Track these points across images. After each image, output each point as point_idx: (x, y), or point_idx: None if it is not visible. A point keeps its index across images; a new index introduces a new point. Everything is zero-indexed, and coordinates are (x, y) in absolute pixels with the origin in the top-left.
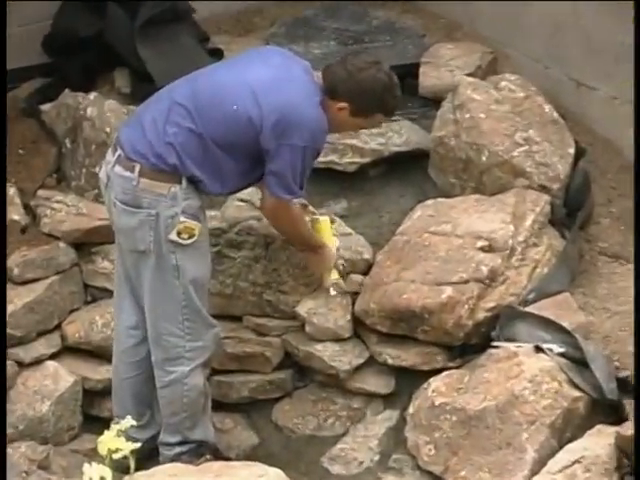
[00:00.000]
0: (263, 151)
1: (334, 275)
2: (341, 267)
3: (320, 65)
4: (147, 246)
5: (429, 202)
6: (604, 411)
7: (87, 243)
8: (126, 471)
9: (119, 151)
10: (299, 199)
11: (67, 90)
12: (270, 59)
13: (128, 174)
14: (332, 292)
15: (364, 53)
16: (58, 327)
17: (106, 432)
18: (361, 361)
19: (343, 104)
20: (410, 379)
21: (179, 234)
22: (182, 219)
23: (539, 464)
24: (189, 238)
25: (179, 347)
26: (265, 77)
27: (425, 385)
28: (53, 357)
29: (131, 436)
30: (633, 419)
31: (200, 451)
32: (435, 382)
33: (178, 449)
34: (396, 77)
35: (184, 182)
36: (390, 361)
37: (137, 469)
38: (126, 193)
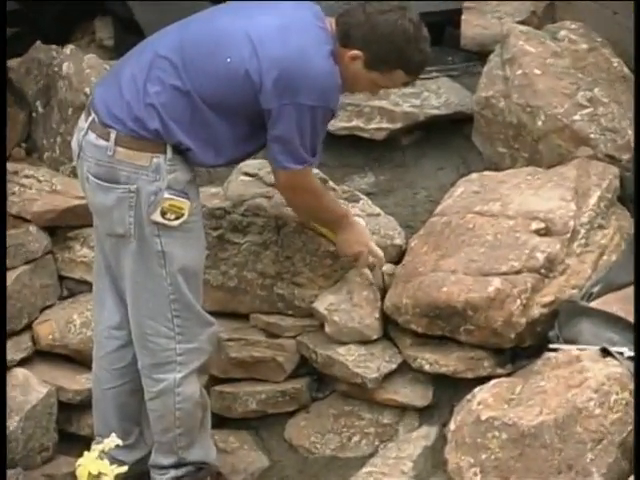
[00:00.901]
0: (264, 113)
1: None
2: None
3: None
4: (126, 229)
5: (473, 176)
6: None
7: (63, 226)
8: None
9: (92, 115)
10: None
11: (38, 42)
12: (275, 4)
13: (102, 143)
14: (371, 276)
15: None
16: (28, 327)
17: (86, 453)
18: (392, 367)
19: (356, 52)
20: (451, 389)
21: (164, 214)
22: (167, 196)
23: None
24: (176, 219)
25: (169, 350)
26: (266, 25)
27: (469, 396)
28: (22, 363)
29: (116, 458)
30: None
31: (199, 475)
32: (481, 393)
33: (173, 473)
34: (425, 29)
35: (169, 151)
36: (427, 367)
37: None
38: (100, 165)
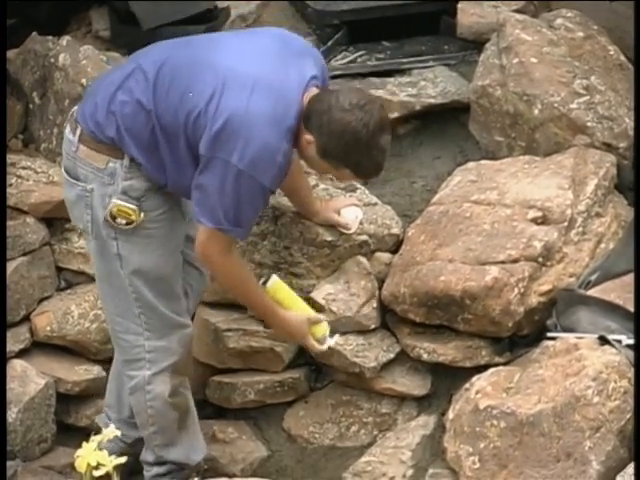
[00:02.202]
0: (199, 156)
1: (320, 331)
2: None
3: None
4: (85, 226)
5: (470, 165)
6: None
7: (60, 218)
8: None
9: (76, 107)
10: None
11: (34, 33)
12: (267, 48)
13: (71, 137)
14: (331, 341)
15: (361, 92)
16: (26, 319)
17: (85, 444)
18: (390, 357)
19: (310, 137)
20: (449, 378)
21: (114, 218)
22: (115, 201)
23: (605, 478)
24: (127, 224)
25: (138, 347)
26: (246, 72)
27: (467, 385)
28: (21, 355)
29: (123, 433)
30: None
31: (182, 475)
32: (479, 381)
33: (155, 470)
34: (385, 135)
35: (126, 158)
36: (425, 356)
37: None
38: (68, 159)
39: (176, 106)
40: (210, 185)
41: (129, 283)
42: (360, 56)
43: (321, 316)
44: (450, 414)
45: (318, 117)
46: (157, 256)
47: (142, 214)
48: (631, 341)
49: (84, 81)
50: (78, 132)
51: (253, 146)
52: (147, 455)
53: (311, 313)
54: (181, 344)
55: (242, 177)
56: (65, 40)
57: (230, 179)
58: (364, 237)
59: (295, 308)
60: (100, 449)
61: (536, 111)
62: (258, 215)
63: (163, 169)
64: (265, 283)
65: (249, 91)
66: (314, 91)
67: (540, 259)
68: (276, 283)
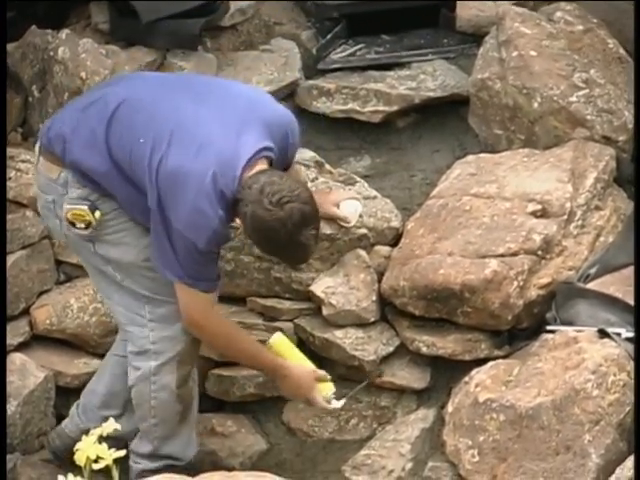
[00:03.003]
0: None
1: (326, 388)
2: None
3: None
4: (60, 235)
5: (470, 158)
6: None
7: None
8: None
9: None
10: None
11: (33, 27)
12: (230, 111)
13: (35, 150)
14: (338, 404)
15: (288, 187)
16: (26, 312)
17: (84, 438)
18: (390, 350)
19: (239, 222)
20: (448, 371)
21: (73, 225)
22: (66, 206)
23: (605, 471)
24: (86, 227)
25: (143, 338)
26: (196, 130)
27: (467, 378)
28: (20, 348)
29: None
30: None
31: (173, 471)
32: (478, 374)
33: (144, 464)
34: (308, 230)
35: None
36: (424, 350)
37: None
38: (36, 173)
39: (130, 146)
40: (161, 238)
41: (120, 279)
42: (359, 49)
43: (327, 374)
44: (449, 407)
45: (244, 205)
46: (138, 248)
47: (97, 212)
48: (630, 334)
49: (83, 74)
50: (37, 145)
51: (186, 209)
52: (142, 446)
53: (316, 369)
54: (186, 332)
55: (180, 235)
56: (64, 33)
57: (174, 235)
58: (363, 230)
59: (294, 361)
60: (99, 442)
61: (535, 104)
62: (213, 266)
63: (113, 188)
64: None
65: (193, 153)
66: (259, 166)
67: (539, 252)
68: (279, 338)
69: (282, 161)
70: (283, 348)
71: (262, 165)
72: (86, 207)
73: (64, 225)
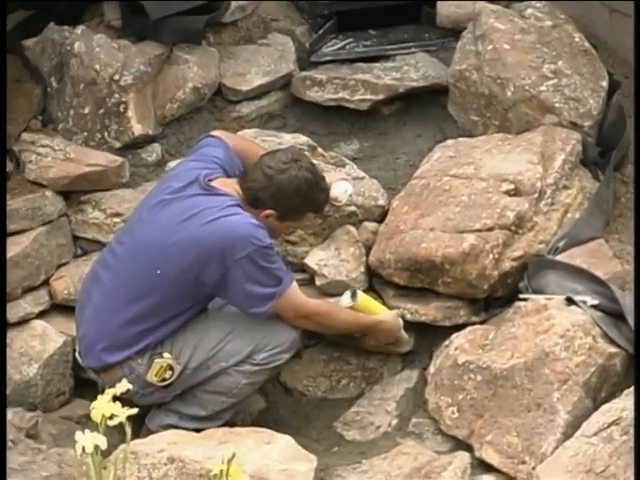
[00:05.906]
0: (207, 287)
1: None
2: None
3: None
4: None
5: (449, 142)
6: None
7: (76, 191)
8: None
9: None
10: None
11: (52, 23)
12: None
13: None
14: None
15: (280, 151)
16: (46, 283)
17: (100, 397)
18: None
19: (269, 211)
20: (430, 336)
21: (164, 379)
22: (148, 378)
23: (572, 427)
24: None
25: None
26: (183, 223)
27: (447, 342)
28: (41, 316)
29: None
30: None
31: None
32: (458, 339)
33: (175, 420)
34: (318, 170)
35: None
36: (408, 316)
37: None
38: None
39: (146, 282)
40: (243, 287)
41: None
42: (348, 43)
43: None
44: (431, 369)
45: (265, 192)
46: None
47: (167, 356)
48: (595, 302)
49: (97, 67)
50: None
51: (236, 234)
52: (187, 407)
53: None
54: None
55: (252, 256)
56: (80, 29)
57: (249, 267)
58: (353, 208)
59: (380, 312)
60: (114, 401)
61: (509, 93)
62: (279, 257)
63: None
64: (354, 295)
65: (205, 229)
66: (232, 181)
67: (513, 227)
68: (360, 297)
69: None
70: (366, 304)
71: (222, 178)
72: (160, 360)
73: (158, 385)
